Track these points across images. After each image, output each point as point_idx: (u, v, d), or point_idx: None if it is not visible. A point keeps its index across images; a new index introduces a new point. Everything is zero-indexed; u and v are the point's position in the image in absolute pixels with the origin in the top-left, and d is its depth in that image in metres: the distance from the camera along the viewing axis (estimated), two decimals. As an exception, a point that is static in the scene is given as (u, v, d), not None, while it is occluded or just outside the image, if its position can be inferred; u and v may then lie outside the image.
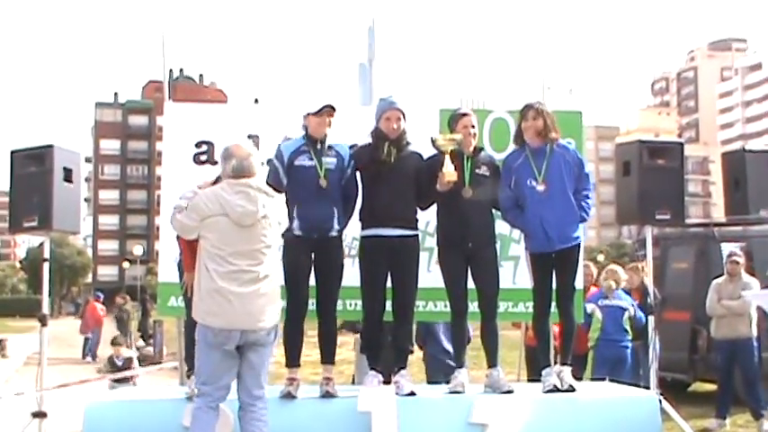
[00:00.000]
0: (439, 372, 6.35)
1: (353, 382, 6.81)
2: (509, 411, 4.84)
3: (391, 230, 5.11)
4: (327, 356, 5.13)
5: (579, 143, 5.95)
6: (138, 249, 57.83)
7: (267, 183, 4.87)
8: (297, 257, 5.03)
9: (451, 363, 6.40)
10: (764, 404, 8.26)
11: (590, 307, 8.09)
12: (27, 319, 32.45)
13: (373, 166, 5.13)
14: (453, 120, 5.32)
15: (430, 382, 6.36)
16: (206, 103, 7.56)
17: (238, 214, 4.37)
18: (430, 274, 5.65)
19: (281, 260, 5.10)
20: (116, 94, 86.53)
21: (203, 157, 6.21)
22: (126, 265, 64.04)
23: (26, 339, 21.44)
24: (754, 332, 8.34)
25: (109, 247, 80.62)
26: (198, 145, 6.23)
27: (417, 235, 5.27)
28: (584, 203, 5.24)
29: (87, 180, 76.93)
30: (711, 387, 9.80)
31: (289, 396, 4.90)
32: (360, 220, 5.26)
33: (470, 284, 5.25)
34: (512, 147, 5.57)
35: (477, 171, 5.24)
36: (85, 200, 71.74)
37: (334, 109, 5.10)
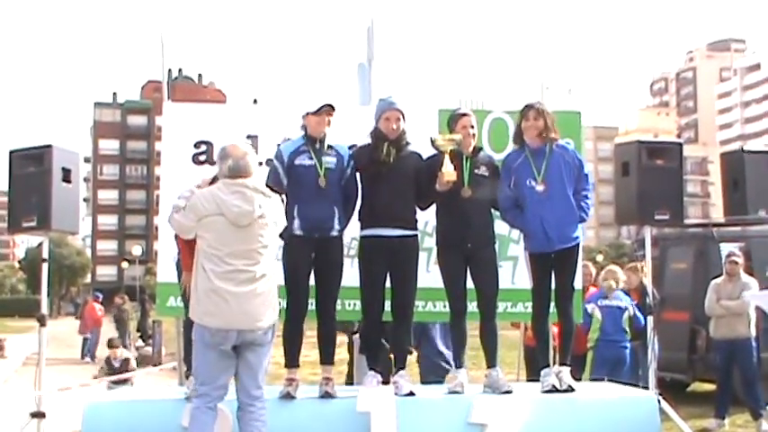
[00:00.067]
0: (432, 373, 6.35)
1: (347, 383, 6.81)
2: (508, 411, 4.84)
3: (391, 230, 5.11)
4: (327, 357, 5.12)
5: (578, 143, 5.95)
6: (136, 249, 57.85)
7: (267, 183, 4.88)
8: (297, 258, 5.03)
9: (445, 365, 6.44)
10: (763, 404, 8.26)
11: (590, 307, 8.09)
12: (26, 320, 32.43)
13: (373, 166, 5.13)
14: (452, 120, 5.32)
15: (423, 382, 6.36)
16: (205, 104, 7.56)
17: (235, 214, 4.37)
18: (429, 275, 5.65)
19: (282, 260, 5.11)
20: (115, 94, 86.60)
21: (202, 158, 6.20)
22: (125, 265, 64.02)
23: (25, 339, 21.43)
24: (753, 332, 8.34)
25: (108, 247, 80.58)
26: (197, 145, 6.22)
27: (417, 235, 5.27)
28: (583, 204, 5.24)
29: (86, 180, 76.86)
30: (710, 387, 9.81)
31: (288, 396, 4.90)
32: (359, 220, 5.26)
33: (470, 284, 5.25)
34: (511, 147, 5.58)
35: (476, 171, 5.24)
36: (84, 200, 71.67)
37: (333, 108, 5.10)
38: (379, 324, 5.21)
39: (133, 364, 11.30)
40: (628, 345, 8.15)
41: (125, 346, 18.51)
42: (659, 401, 5.50)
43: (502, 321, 5.47)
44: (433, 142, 5.17)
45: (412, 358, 6.25)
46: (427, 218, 5.54)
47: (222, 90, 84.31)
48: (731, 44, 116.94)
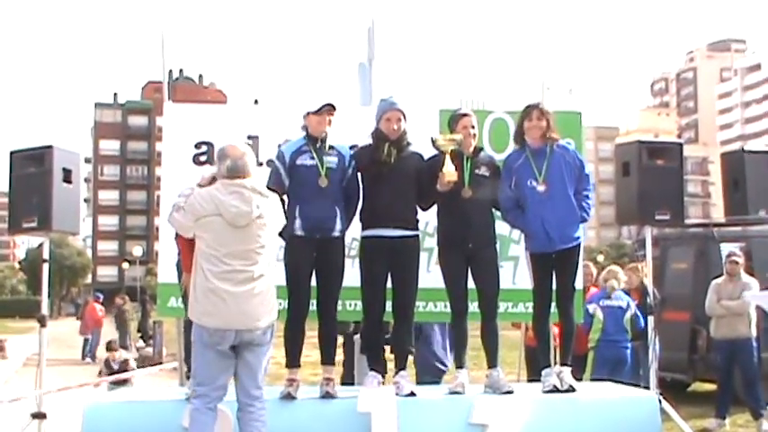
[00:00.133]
0: (426, 374, 6.35)
1: (342, 383, 6.81)
2: (509, 412, 4.84)
3: (392, 231, 5.11)
4: (327, 357, 5.12)
5: (579, 143, 5.94)
6: (137, 250, 57.82)
7: (269, 184, 4.88)
8: (299, 258, 5.03)
9: (440, 365, 6.44)
10: (764, 404, 8.26)
11: (591, 307, 8.10)
12: (26, 320, 32.48)
13: (374, 166, 5.13)
14: (453, 120, 5.32)
15: (418, 383, 6.37)
16: (205, 104, 7.53)
17: (232, 215, 4.37)
18: (430, 275, 5.64)
19: (283, 260, 5.11)
20: (115, 94, 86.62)
21: (203, 158, 6.19)
22: (125, 265, 63.98)
23: (25, 340, 21.44)
24: (754, 332, 8.34)
25: (108, 247, 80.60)
26: (197, 146, 6.22)
27: (418, 235, 5.27)
28: (584, 204, 5.24)
29: (87, 181, 76.90)
30: (711, 387, 9.81)
31: (289, 397, 4.90)
32: (360, 220, 5.26)
33: (470, 285, 5.25)
34: (511, 147, 5.58)
35: (476, 171, 5.24)
36: (85, 200, 71.72)
37: (334, 107, 5.10)
38: (379, 324, 5.22)
39: (132, 364, 11.31)
40: (629, 345, 8.15)
41: (126, 347, 18.57)
42: (660, 401, 5.50)
43: (503, 322, 5.47)
44: (433, 142, 5.17)
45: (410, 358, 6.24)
46: (428, 218, 5.54)
47: (223, 90, 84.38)
48: (731, 44, 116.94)
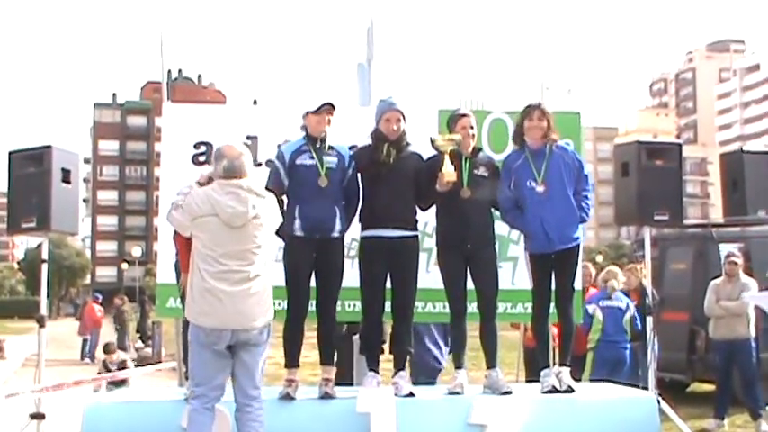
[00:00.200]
0: (423, 372, 6.35)
1: (337, 383, 6.80)
2: (508, 412, 4.84)
3: (391, 231, 5.11)
4: (326, 357, 5.12)
5: (578, 144, 5.94)
6: (136, 250, 57.93)
7: (268, 185, 4.89)
8: (298, 259, 5.03)
9: (434, 362, 6.44)
10: (762, 404, 8.26)
11: (591, 308, 8.10)
12: (25, 321, 32.45)
13: (373, 167, 5.14)
14: (452, 120, 5.32)
15: (414, 382, 6.36)
16: (205, 104, 7.53)
17: (228, 215, 4.37)
18: (429, 275, 5.65)
19: (283, 261, 5.11)
20: (114, 94, 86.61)
21: (202, 158, 6.19)
22: (124, 266, 64.03)
23: (24, 341, 21.43)
24: (753, 333, 8.35)
25: (107, 248, 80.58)
26: (196, 146, 6.21)
27: (417, 236, 5.27)
28: (583, 204, 5.24)
29: (86, 181, 76.89)
30: (710, 387, 9.81)
31: (287, 397, 4.90)
32: (359, 221, 5.26)
33: (469, 285, 5.25)
34: (510, 147, 5.58)
35: (475, 172, 5.24)
36: (84, 201, 71.71)
37: (333, 107, 5.10)
38: (379, 325, 5.22)
39: (130, 365, 11.30)
40: (628, 345, 8.16)
41: (124, 348, 18.56)
42: (659, 402, 5.51)
43: (501, 322, 5.47)
44: (432, 142, 5.17)
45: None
46: (427, 218, 5.54)
47: (222, 91, 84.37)
48: (730, 45, 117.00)
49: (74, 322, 32.21)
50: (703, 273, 9.77)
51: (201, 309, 4.36)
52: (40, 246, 6.79)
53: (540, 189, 5.16)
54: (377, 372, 5.16)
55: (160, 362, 15.88)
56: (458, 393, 5.07)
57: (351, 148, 5.31)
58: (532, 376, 6.80)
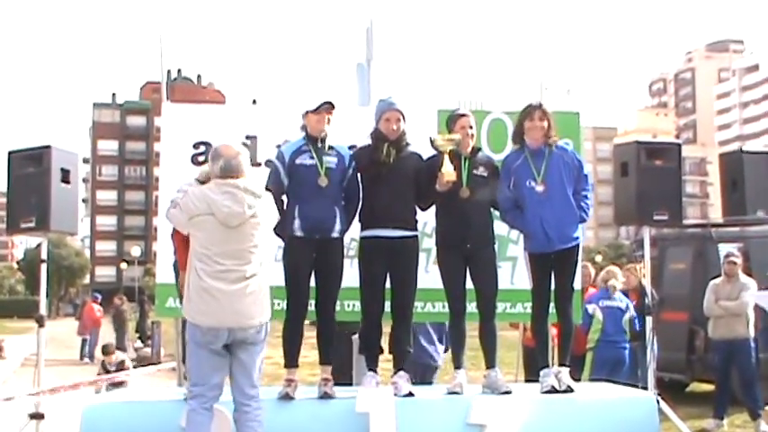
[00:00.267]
0: (417, 371, 6.33)
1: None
2: (507, 412, 4.84)
3: (391, 231, 5.11)
4: (326, 357, 5.12)
5: (577, 144, 5.94)
6: (135, 250, 57.92)
7: (268, 185, 4.88)
8: (298, 259, 5.03)
9: (432, 362, 6.43)
10: (762, 404, 8.27)
11: (591, 307, 8.10)
12: (25, 320, 32.45)
13: (373, 167, 5.13)
14: (451, 120, 5.32)
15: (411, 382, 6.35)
16: (204, 104, 7.53)
17: (224, 215, 4.37)
18: (428, 275, 5.65)
19: (282, 261, 5.11)
20: (114, 94, 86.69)
21: (201, 158, 6.17)
22: (124, 266, 64.01)
23: (24, 340, 21.44)
24: (752, 332, 8.35)
25: (107, 247, 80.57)
26: (196, 146, 6.21)
27: (417, 236, 5.27)
28: (583, 204, 5.24)
29: (85, 181, 76.89)
30: (709, 387, 9.82)
31: (287, 397, 4.90)
32: (359, 221, 5.26)
33: (469, 285, 5.25)
34: (509, 147, 5.58)
35: (474, 172, 5.24)
36: (83, 200, 71.68)
37: (332, 106, 5.10)
38: (378, 325, 5.21)
39: (129, 364, 11.30)
40: (627, 345, 8.16)
41: (123, 348, 18.55)
42: (658, 402, 5.50)
43: (501, 322, 5.47)
44: (432, 142, 5.17)
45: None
46: (426, 218, 5.54)
47: (221, 91, 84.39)
48: (730, 45, 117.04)
49: (73, 322, 32.19)
50: (702, 273, 9.78)
51: (198, 308, 4.36)
52: (39, 246, 6.79)
53: (539, 189, 5.16)
54: (376, 372, 5.16)
55: (159, 362, 15.89)
56: (457, 393, 5.07)
57: (350, 148, 5.31)
58: (532, 376, 6.80)
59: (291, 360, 5.06)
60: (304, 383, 5.30)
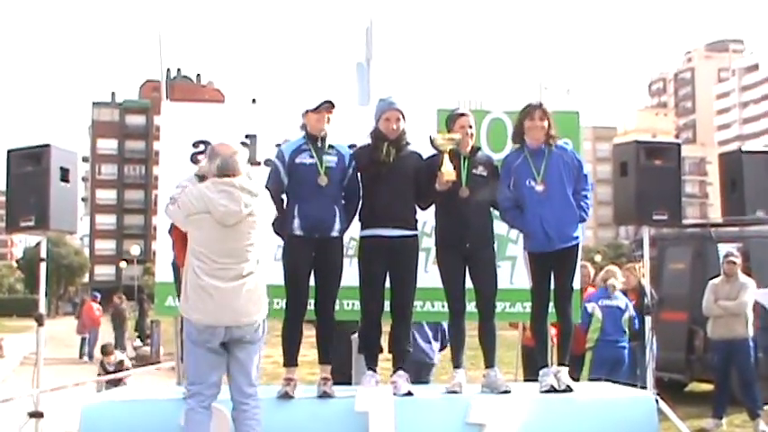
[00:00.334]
0: (413, 369, 6.33)
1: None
2: (506, 411, 4.84)
3: (390, 231, 5.11)
4: (325, 356, 5.12)
5: (577, 143, 5.95)
6: (135, 249, 57.82)
7: (267, 184, 4.89)
8: (298, 258, 5.03)
9: (428, 360, 6.43)
10: (761, 404, 8.28)
11: (590, 306, 8.10)
12: (24, 319, 32.44)
13: (373, 166, 5.13)
14: (451, 120, 5.32)
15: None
16: (203, 103, 7.54)
17: (221, 213, 4.37)
18: (427, 275, 5.65)
19: (282, 260, 5.11)
20: (113, 93, 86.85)
21: (201, 157, 6.16)
22: (123, 264, 63.96)
23: (23, 339, 21.44)
24: (751, 332, 8.35)
25: (106, 246, 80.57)
26: (195, 145, 6.21)
27: (416, 235, 5.27)
28: (583, 203, 5.25)
29: (84, 180, 76.83)
30: (708, 387, 9.82)
31: (286, 396, 4.90)
32: (359, 220, 5.26)
33: (468, 284, 5.25)
34: (509, 147, 5.58)
35: (474, 171, 5.24)
36: (82, 199, 71.67)
37: (332, 105, 5.09)
38: (377, 324, 5.21)
39: (127, 364, 11.30)
40: (626, 345, 8.16)
41: (123, 347, 18.55)
42: (657, 401, 5.50)
43: (500, 321, 5.48)
44: (432, 142, 5.17)
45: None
46: (425, 218, 5.54)
47: (221, 90, 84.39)
48: (729, 45, 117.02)
49: (72, 321, 32.20)
50: (702, 272, 9.78)
51: (195, 305, 4.36)
52: (38, 244, 6.78)
53: (539, 188, 5.16)
54: (375, 371, 5.16)
55: (159, 361, 15.89)
56: (456, 392, 5.07)
57: (350, 148, 5.31)
58: (531, 376, 6.80)
59: (291, 359, 5.06)
60: (303, 382, 5.30)
